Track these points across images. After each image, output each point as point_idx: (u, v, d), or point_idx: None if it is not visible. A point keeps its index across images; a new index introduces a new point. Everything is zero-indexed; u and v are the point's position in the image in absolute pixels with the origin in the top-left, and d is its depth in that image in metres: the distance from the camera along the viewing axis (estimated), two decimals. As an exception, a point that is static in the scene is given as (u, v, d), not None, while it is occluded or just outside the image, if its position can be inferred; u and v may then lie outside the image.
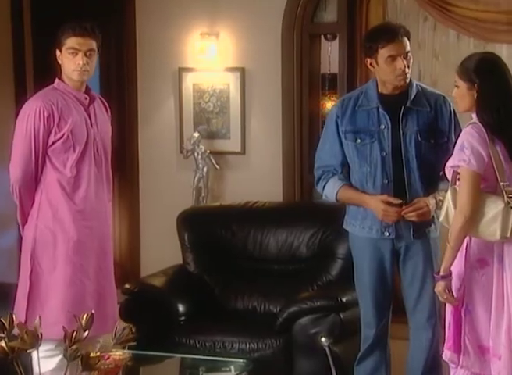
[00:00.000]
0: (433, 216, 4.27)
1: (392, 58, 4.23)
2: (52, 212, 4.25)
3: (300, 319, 4.83)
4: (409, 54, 4.27)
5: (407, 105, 4.30)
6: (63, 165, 4.25)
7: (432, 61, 5.91)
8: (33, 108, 4.22)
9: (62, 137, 4.22)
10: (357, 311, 4.80)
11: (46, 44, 5.78)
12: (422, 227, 4.31)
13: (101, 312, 4.19)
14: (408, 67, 4.25)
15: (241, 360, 4.44)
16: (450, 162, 3.84)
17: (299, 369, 4.84)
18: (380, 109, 4.31)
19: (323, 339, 4.63)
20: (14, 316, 3.28)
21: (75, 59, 4.22)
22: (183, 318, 5.11)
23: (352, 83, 6.00)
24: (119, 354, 3.63)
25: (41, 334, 3.13)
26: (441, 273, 3.83)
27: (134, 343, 3.38)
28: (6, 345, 3.21)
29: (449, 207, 3.83)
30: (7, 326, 3.24)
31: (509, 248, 3.81)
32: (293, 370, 4.85)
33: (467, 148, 3.75)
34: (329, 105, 6.12)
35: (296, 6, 5.97)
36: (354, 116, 4.36)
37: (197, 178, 6.07)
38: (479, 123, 3.80)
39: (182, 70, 6.19)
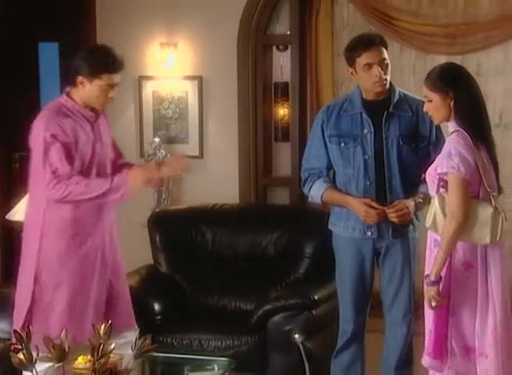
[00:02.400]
0: (412, 218, 4.02)
1: (369, 65, 3.97)
2: (59, 226, 3.83)
3: (274, 316, 4.51)
4: (385, 61, 3.99)
5: (390, 110, 4.03)
6: None
7: (376, 71, 5.67)
8: (47, 134, 3.78)
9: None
10: (328, 308, 4.57)
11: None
12: (400, 228, 4.04)
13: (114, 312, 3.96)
14: (385, 74, 3.98)
15: (224, 359, 4.08)
16: (438, 169, 3.56)
17: (273, 364, 4.52)
18: (363, 114, 4.04)
19: (296, 335, 4.39)
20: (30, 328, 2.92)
21: (107, 93, 3.86)
22: (159, 317, 4.72)
23: (303, 90, 5.81)
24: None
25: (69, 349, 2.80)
26: (432, 279, 3.53)
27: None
28: (25, 357, 2.84)
29: (436, 213, 3.55)
30: (24, 338, 2.86)
31: (493, 250, 3.57)
32: (267, 366, 4.52)
33: (456, 156, 3.48)
34: (282, 111, 5.82)
35: (251, 19, 5.73)
36: (339, 121, 4.09)
37: (157, 181, 5.70)
38: (462, 130, 3.54)
39: (142, 78, 5.83)
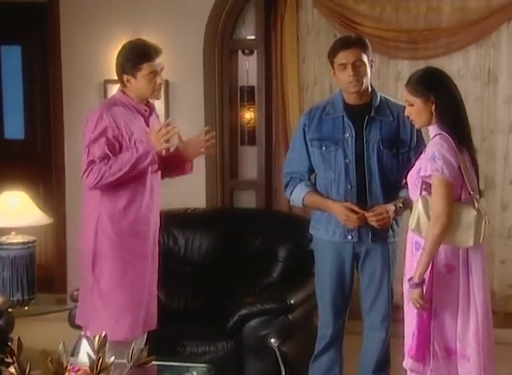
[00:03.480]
0: (392, 223, 3.90)
1: (343, 66, 3.86)
2: (111, 221, 3.81)
3: (250, 321, 4.34)
4: (361, 62, 3.86)
5: (371, 114, 3.91)
6: None
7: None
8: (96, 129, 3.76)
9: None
10: (303, 312, 4.44)
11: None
12: (380, 232, 3.92)
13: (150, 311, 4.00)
14: (358, 75, 3.84)
15: (203, 365, 3.91)
16: (421, 172, 3.46)
17: (250, 369, 4.36)
18: (345, 118, 3.91)
19: (272, 340, 4.26)
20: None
21: (154, 81, 3.87)
22: (132, 323, 4.51)
23: (268, 94, 5.71)
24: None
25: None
26: (415, 281, 3.42)
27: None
28: (16, 371, 2.64)
29: (420, 215, 3.45)
30: (15, 352, 2.66)
31: (474, 254, 3.49)
32: (244, 371, 4.36)
33: (439, 158, 3.39)
34: (248, 115, 5.69)
35: (217, 23, 5.60)
36: (321, 125, 3.95)
37: (125, 185, 5.51)
38: (445, 134, 3.45)
39: (107, 82, 5.59)
